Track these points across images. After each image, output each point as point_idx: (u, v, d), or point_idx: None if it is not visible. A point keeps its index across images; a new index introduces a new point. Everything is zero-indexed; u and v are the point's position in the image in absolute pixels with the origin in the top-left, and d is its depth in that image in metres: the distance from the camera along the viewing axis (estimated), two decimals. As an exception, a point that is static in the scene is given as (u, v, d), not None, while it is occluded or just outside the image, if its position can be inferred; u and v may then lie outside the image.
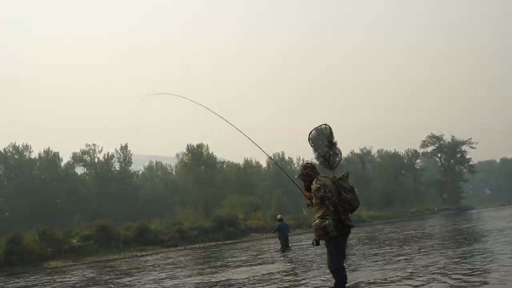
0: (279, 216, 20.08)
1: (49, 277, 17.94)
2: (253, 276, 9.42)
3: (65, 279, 15.83)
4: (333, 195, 5.99)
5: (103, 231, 35.95)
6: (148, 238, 37.47)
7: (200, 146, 67.08)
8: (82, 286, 12.58)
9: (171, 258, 22.35)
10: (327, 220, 6.06)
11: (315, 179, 6.27)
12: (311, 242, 6.41)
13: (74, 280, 14.50)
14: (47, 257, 31.07)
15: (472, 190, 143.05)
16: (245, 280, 8.79)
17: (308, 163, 6.55)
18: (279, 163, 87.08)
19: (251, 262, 13.30)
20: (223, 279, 9.42)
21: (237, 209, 50.60)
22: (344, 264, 6.42)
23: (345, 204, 6.17)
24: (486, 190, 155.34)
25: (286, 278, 8.18)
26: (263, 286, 7.64)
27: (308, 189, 6.52)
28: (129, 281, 11.95)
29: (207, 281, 9.59)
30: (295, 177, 6.60)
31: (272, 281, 8.24)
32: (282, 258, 13.28)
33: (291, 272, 9.00)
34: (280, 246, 18.61)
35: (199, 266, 14.11)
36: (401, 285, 6.22)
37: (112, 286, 11.03)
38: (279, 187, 72.22)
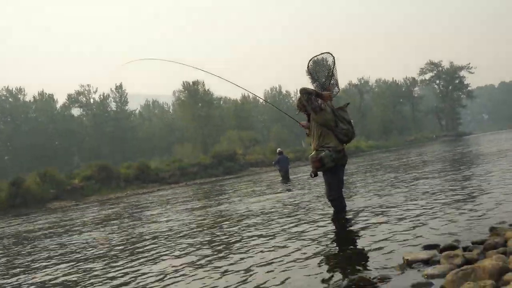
0: (278, 150, 20.18)
1: (70, 214, 17.78)
2: (278, 202, 9.63)
3: (90, 214, 15.76)
4: (314, 103, 6.07)
5: (104, 171, 36.09)
6: (149, 177, 37.70)
7: (196, 83, 66.11)
8: (114, 218, 12.66)
9: (183, 192, 22.19)
10: (323, 151, 6.15)
11: None
12: (309, 174, 6.74)
13: (102, 215, 14.47)
14: (50, 198, 31.44)
15: (470, 115, 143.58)
16: (276, 206, 8.84)
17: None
18: (276, 97, 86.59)
19: (266, 192, 13.19)
20: (254, 207, 9.34)
21: (235, 145, 50.42)
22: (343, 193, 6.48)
23: (341, 135, 6.21)
24: (484, 115, 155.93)
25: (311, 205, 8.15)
26: (292, 211, 7.73)
27: (308, 117, 6.49)
28: (156, 213, 11.90)
29: (233, 209, 9.60)
30: (296, 112, 6.55)
31: (294, 206, 8.37)
32: (293, 188, 13.28)
33: (312, 201, 8.97)
34: (281, 178, 18.69)
35: (217, 198, 13.99)
36: (402, 209, 6.23)
37: (143, 218, 11.02)
38: (278, 121, 72.26)
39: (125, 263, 5.52)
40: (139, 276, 4.71)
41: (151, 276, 4.59)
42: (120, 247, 6.83)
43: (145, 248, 6.37)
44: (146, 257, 5.66)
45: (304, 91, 6.12)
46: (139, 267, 5.14)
